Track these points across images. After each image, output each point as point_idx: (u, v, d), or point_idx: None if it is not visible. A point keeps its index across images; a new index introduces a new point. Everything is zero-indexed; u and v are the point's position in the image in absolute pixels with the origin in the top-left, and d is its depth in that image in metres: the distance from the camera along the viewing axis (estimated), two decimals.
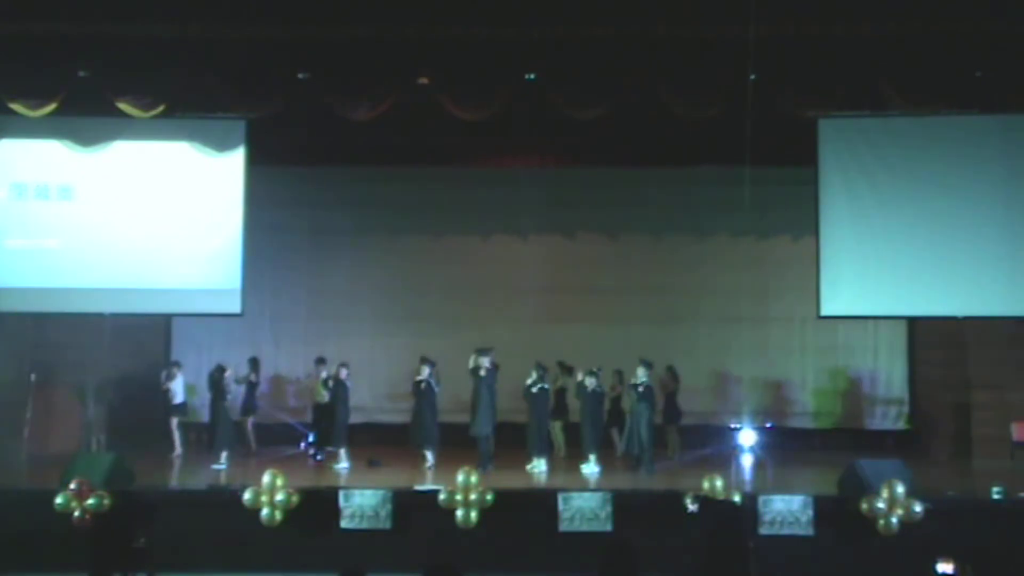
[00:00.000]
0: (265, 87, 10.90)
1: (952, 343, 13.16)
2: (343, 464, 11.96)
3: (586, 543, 9.29)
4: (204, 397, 13.25)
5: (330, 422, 12.30)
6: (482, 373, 12.06)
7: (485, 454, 11.78)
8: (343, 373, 12.30)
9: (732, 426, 14.10)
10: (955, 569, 8.00)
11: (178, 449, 13.00)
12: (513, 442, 12.21)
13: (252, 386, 13.40)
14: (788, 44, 10.44)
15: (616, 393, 13.00)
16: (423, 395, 12.04)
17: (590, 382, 12.09)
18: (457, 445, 12.07)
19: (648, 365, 12.06)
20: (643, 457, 11.71)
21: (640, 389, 11.85)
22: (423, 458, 11.94)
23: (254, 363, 13.48)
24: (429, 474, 11.51)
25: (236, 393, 13.04)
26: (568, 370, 12.86)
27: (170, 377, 13.23)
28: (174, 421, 13.14)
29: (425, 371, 12.09)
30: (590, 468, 11.76)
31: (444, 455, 11.83)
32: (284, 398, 14.45)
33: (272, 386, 14.27)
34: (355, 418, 12.72)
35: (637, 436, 11.80)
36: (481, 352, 12.21)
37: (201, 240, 12.07)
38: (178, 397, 13.19)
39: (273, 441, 13.48)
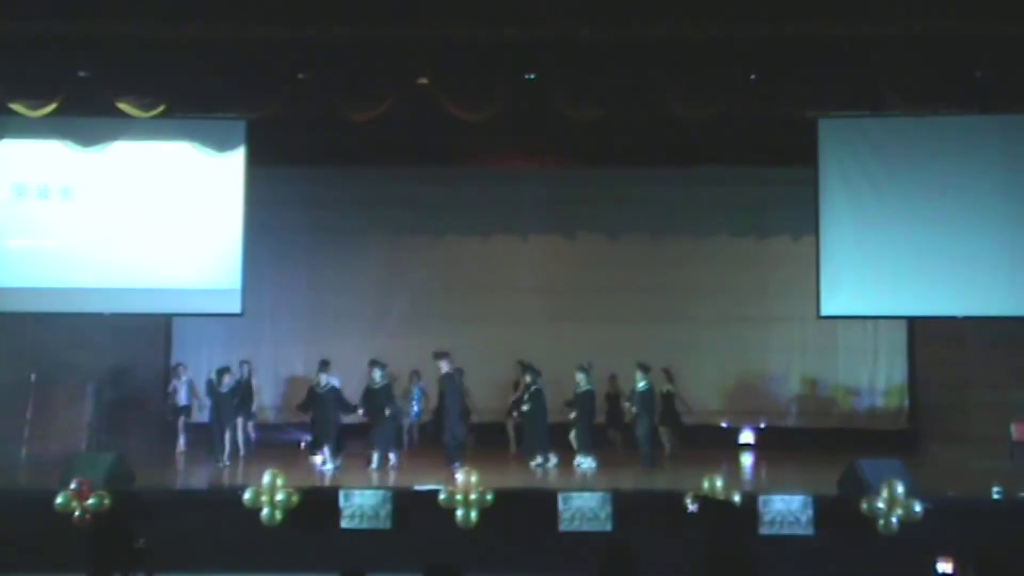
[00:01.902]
0: (265, 87, 10.89)
1: (952, 343, 13.16)
2: (328, 465, 11.82)
3: (586, 543, 9.27)
4: (206, 399, 13.23)
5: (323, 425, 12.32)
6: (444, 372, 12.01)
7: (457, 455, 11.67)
8: (327, 379, 12.30)
9: (732, 426, 14.13)
10: (955, 569, 8.02)
11: (182, 447, 13.04)
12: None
13: (248, 387, 13.35)
14: (788, 44, 10.44)
15: (613, 395, 12.98)
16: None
17: (580, 378, 12.06)
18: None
19: (646, 369, 12.04)
20: (642, 455, 11.73)
21: (637, 397, 11.82)
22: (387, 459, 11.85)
23: (244, 365, 13.33)
24: (393, 474, 11.41)
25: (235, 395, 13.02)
26: (537, 373, 12.58)
27: (178, 379, 13.28)
28: (181, 421, 13.19)
29: (376, 375, 12.07)
30: (585, 463, 11.77)
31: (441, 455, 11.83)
32: (284, 398, 14.43)
33: (272, 386, 14.26)
34: (355, 418, 12.68)
35: (637, 438, 11.84)
36: (438, 355, 12.15)
37: (201, 240, 12.05)
38: (185, 399, 13.24)
39: (274, 441, 13.48)
